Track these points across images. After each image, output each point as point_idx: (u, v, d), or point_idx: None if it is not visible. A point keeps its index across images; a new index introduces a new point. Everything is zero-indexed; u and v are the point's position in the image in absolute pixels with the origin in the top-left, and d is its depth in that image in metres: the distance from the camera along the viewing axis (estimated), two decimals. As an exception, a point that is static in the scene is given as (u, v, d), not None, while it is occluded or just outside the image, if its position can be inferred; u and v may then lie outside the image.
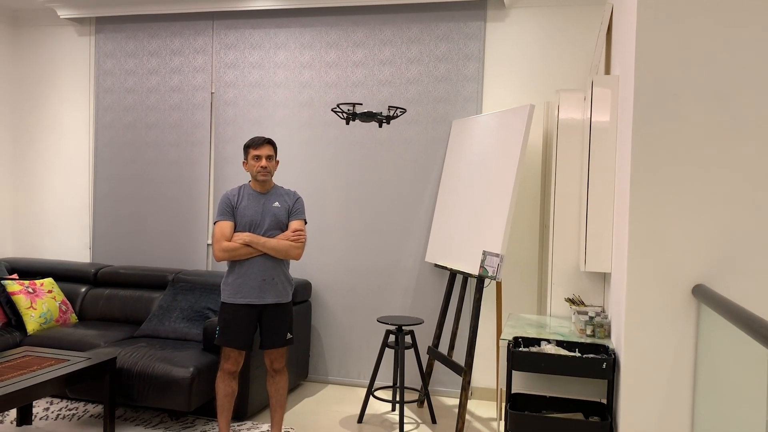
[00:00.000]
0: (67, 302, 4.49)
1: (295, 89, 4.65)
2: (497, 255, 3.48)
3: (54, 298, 4.39)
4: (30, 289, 4.30)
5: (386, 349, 4.40)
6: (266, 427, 3.67)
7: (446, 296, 4.12)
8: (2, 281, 4.29)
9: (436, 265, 4.16)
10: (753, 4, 2.14)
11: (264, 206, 3.22)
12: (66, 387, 3.13)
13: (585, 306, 3.12)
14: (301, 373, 4.48)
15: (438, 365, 4.43)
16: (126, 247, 4.99)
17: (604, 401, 2.66)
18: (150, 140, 4.94)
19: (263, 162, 3.20)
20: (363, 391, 4.45)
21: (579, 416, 2.60)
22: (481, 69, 4.31)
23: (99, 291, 4.59)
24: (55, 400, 3.99)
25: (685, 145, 2.20)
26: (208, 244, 4.84)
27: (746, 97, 2.15)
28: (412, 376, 4.44)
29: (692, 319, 2.20)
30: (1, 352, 3.42)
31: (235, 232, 3.19)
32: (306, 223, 3.32)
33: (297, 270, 4.67)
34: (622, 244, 2.42)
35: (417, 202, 4.44)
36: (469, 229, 3.83)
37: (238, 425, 3.69)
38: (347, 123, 3.62)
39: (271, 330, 3.22)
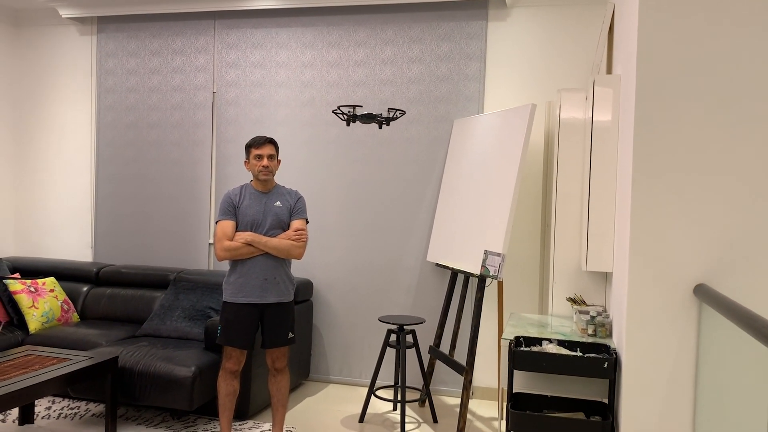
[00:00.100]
0: (69, 301, 4.50)
1: (297, 89, 4.65)
2: (499, 254, 3.48)
3: (56, 297, 4.39)
4: (32, 289, 4.31)
5: (388, 348, 4.41)
6: (268, 426, 3.68)
7: (448, 296, 4.12)
8: (4, 280, 4.30)
9: (438, 265, 4.16)
10: (756, 3, 2.14)
11: (266, 206, 3.22)
12: (68, 386, 3.13)
13: (586, 305, 3.12)
14: (303, 372, 4.48)
15: (439, 364, 4.43)
16: (128, 247, 5.00)
17: (606, 401, 2.66)
18: (151, 140, 4.95)
19: (265, 161, 3.20)
20: (364, 391, 4.46)
21: (580, 416, 2.60)
22: (482, 68, 4.30)
23: (101, 290, 4.60)
24: (57, 399, 4.00)
25: (686, 145, 2.20)
26: (209, 244, 4.84)
27: (748, 96, 2.15)
28: (413, 376, 4.44)
29: (693, 319, 2.20)
30: (3, 352, 3.42)
31: (236, 231, 3.20)
32: (307, 222, 3.33)
33: (298, 269, 4.67)
34: (624, 243, 2.42)
35: (418, 201, 4.44)
36: (470, 228, 3.83)
37: (239, 424, 3.69)
38: (348, 124, 3.63)
39: (272, 329, 3.22)
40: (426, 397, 4.02)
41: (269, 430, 3.61)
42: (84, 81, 5.13)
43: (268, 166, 3.21)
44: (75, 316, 4.48)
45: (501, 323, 3.96)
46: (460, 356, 4.33)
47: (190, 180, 4.87)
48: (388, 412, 4.04)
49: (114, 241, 5.03)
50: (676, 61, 2.21)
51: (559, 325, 3.09)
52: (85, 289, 4.64)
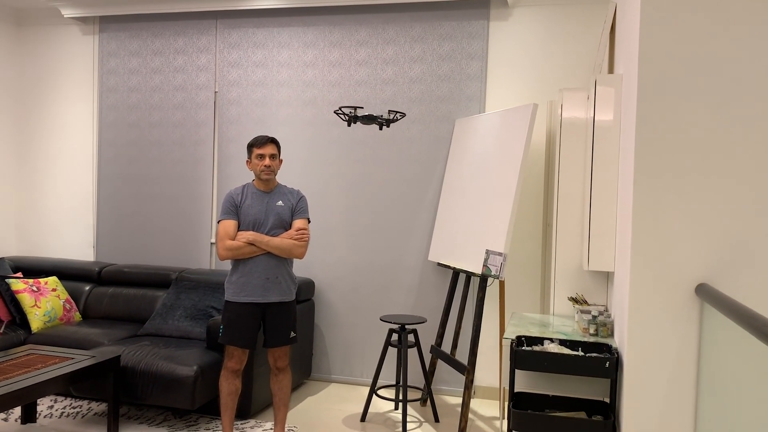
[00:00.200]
0: (71, 301, 4.51)
1: (299, 88, 4.65)
2: (500, 254, 3.48)
3: (58, 296, 4.40)
4: (34, 288, 4.32)
5: (389, 347, 4.41)
6: (269, 425, 3.68)
7: (449, 295, 4.12)
8: (6, 280, 4.31)
9: (439, 264, 4.16)
10: (757, 2, 2.14)
11: (267, 205, 3.23)
12: (70, 385, 3.14)
13: (588, 305, 3.12)
14: (305, 371, 4.48)
15: (441, 364, 4.43)
16: (129, 246, 5.01)
17: (607, 400, 2.66)
18: (153, 139, 4.95)
19: (267, 161, 3.20)
20: (366, 390, 4.46)
21: (582, 415, 2.60)
22: (484, 68, 4.31)
23: (103, 289, 4.61)
24: (60, 398, 4.01)
25: (688, 144, 2.20)
26: (211, 243, 4.85)
27: (750, 96, 2.15)
28: (414, 375, 4.45)
29: (695, 318, 2.20)
30: (6, 351, 3.43)
31: (238, 230, 3.20)
32: (309, 221, 3.33)
33: (300, 269, 4.68)
34: (626, 242, 2.42)
35: (420, 200, 4.44)
36: (472, 227, 3.83)
37: (241, 423, 3.70)
38: (348, 125, 3.64)
39: (274, 328, 3.23)
40: (427, 397, 4.03)
41: (271, 429, 3.62)
42: (86, 80, 5.13)
43: (270, 166, 3.21)
44: (77, 316, 4.49)
45: (502, 323, 3.96)
46: (462, 356, 4.33)
47: (191, 179, 4.87)
48: (390, 411, 4.04)
49: (116, 241, 5.04)
50: (677, 61, 2.21)
51: (560, 324, 3.09)
52: (87, 288, 4.65)
